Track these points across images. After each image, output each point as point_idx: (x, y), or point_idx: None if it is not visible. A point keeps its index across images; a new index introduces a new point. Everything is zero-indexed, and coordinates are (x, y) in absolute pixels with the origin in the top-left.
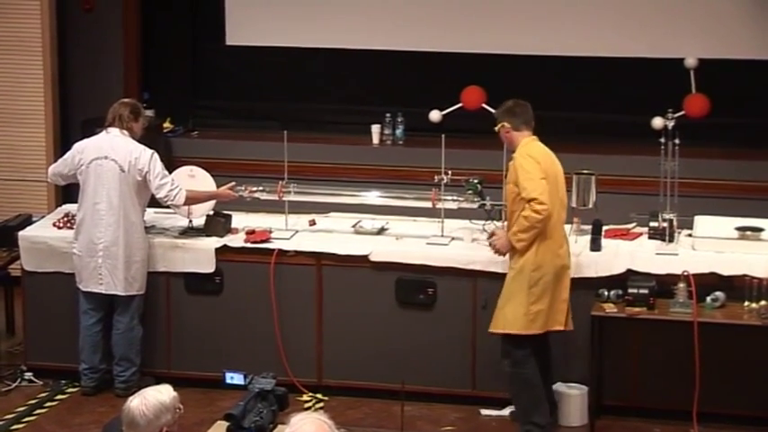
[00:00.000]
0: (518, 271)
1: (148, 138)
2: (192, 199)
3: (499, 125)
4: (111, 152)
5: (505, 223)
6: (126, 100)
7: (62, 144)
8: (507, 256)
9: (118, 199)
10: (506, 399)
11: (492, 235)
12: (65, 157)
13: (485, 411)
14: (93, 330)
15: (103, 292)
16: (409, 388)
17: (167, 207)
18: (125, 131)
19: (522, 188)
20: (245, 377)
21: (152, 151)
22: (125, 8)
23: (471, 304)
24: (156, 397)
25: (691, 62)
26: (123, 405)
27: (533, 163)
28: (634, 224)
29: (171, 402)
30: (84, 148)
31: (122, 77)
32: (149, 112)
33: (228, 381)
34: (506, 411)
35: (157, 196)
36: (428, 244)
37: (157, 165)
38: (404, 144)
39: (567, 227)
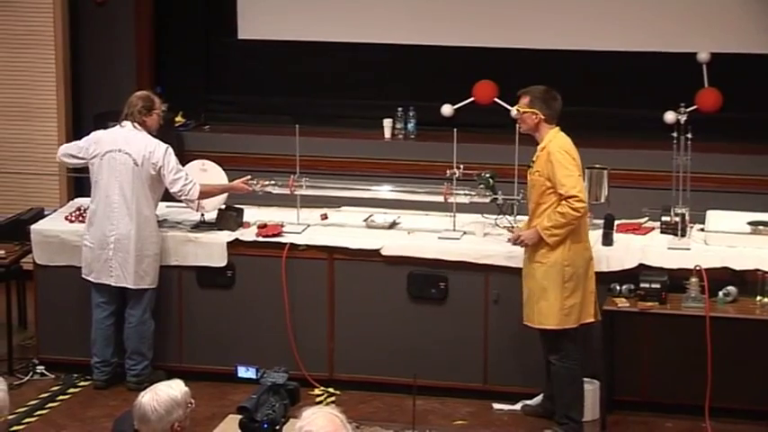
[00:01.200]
0: (550, 266)
1: (160, 132)
2: (206, 193)
3: (529, 110)
4: (126, 146)
5: (517, 218)
6: (141, 93)
7: (74, 138)
8: (524, 249)
9: (131, 192)
10: (518, 393)
11: (518, 238)
12: (79, 142)
13: (497, 405)
14: (105, 324)
15: (113, 284)
16: (421, 382)
17: (180, 201)
18: (138, 125)
19: (561, 184)
20: (258, 371)
21: (166, 146)
22: (137, 2)
23: (483, 298)
24: (167, 392)
25: (703, 56)
26: (135, 399)
27: (570, 158)
28: (646, 219)
29: (182, 398)
30: (99, 139)
31: (135, 71)
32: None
33: (241, 375)
34: (518, 406)
35: (171, 191)
36: (440, 238)
37: (172, 159)
38: (416, 138)
39: None
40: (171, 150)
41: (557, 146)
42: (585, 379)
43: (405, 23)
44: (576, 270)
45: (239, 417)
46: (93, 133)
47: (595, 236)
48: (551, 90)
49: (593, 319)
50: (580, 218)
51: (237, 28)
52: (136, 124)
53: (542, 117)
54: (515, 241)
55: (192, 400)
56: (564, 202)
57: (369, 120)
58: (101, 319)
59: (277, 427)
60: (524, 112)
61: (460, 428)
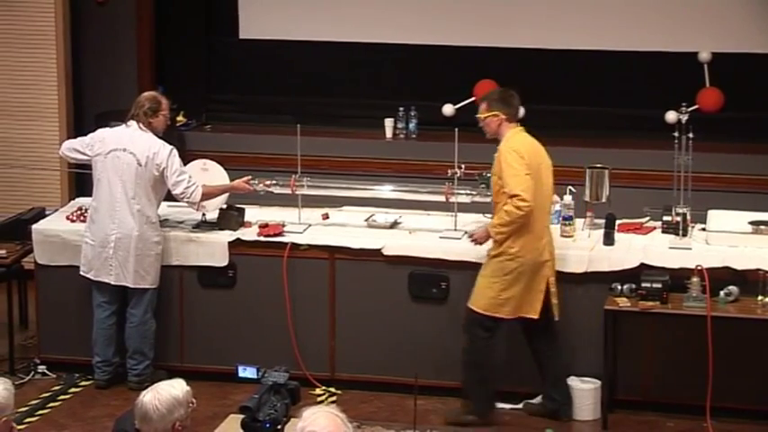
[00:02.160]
0: (495, 257)
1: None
2: (208, 195)
3: (489, 113)
4: (131, 145)
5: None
6: (148, 94)
7: (75, 137)
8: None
9: (134, 192)
10: (519, 393)
11: (471, 236)
12: (84, 138)
13: (499, 404)
14: (106, 324)
15: (113, 282)
16: (422, 382)
17: (182, 202)
18: (143, 126)
19: (506, 183)
20: (258, 371)
21: (171, 147)
22: (138, 1)
23: None
24: (169, 391)
25: (704, 56)
26: (136, 399)
27: (518, 158)
28: (647, 218)
29: (184, 397)
30: (104, 138)
31: (136, 71)
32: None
33: (241, 374)
34: (521, 405)
35: (174, 192)
36: (441, 238)
37: (176, 161)
38: (417, 138)
39: (579, 221)
40: (175, 152)
41: (508, 146)
42: (586, 378)
43: (406, 23)
44: (521, 266)
45: (241, 416)
46: (98, 131)
47: (596, 235)
48: (508, 90)
49: (536, 315)
50: (524, 216)
51: (239, 28)
52: (141, 125)
53: (504, 117)
54: (472, 241)
55: (194, 400)
56: (509, 200)
57: (370, 119)
58: (102, 319)
59: (279, 427)
60: (486, 117)
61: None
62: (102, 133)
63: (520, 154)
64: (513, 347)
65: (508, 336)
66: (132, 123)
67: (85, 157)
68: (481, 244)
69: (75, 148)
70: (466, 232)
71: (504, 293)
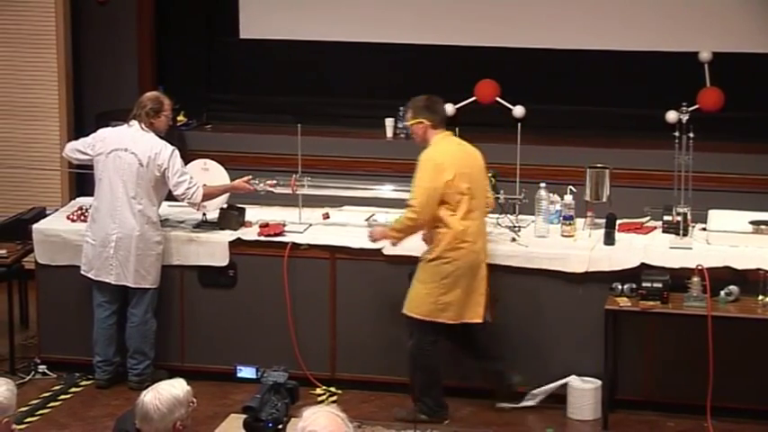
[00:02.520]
0: (429, 261)
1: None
2: (209, 195)
3: (415, 121)
4: (132, 145)
5: (519, 217)
6: (151, 94)
7: (76, 137)
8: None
9: (135, 192)
10: (520, 392)
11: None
12: (86, 138)
13: (500, 404)
14: (107, 323)
15: (113, 282)
16: None
17: (183, 202)
18: (144, 127)
19: (411, 190)
20: (257, 371)
21: (173, 148)
22: (139, 1)
23: None
24: (169, 391)
25: (705, 56)
26: (137, 399)
27: (428, 168)
28: (648, 218)
29: (184, 396)
30: (105, 137)
31: (136, 70)
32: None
33: (240, 374)
34: (522, 404)
35: (175, 193)
36: None
37: (177, 162)
38: None
39: (580, 221)
40: (177, 153)
41: (426, 154)
42: (587, 378)
43: (407, 23)
44: (458, 270)
45: (241, 416)
46: (99, 130)
47: (597, 235)
48: (432, 97)
49: (479, 320)
50: (414, 228)
51: (239, 27)
52: (143, 125)
53: (429, 124)
54: (369, 238)
55: (194, 399)
56: (406, 208)
57: (371, 119)
58: (102, 319)
59: (280, 427)
60: (412, 125)
61: (458, 427)
62: (104, 133)
63: (436, 162)
64: (514, 347)
65: (508, 335)
66: (134, 123)
67: (88, 157)
68: (375, 242)
69: (78, 148)
70: (513, 231)
71: (443, 298)
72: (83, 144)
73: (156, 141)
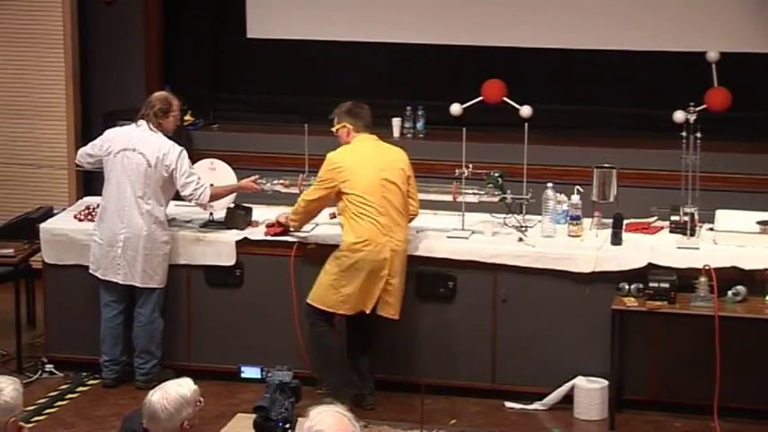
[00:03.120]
0: (336, 252)
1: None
2: (216, 196)
3: (339, 125)
4: (140, 145)
5: (526, 217)
6: (159, 94)
7: (83, 137)
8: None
9: (143, 192)
10: (527, 392)
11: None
12: (95, 141)
13: (509, 404)
14: (114, 323)
15: (120, 282)
16: (429, 381)
17: (190, 203)
18: (153, 127)
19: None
20: (262, 370)
21: (181, 148)
22: (146, 1)
23: (491, 298)
24: (177, 390)
25: (712, 56)
26: (143, 398)
27: (326, 169)
28: (655, 218)
29: (192, 396)
30: (113, 137)
31: (143, 70)
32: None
33: (244, 375)
34: (532, 406)
35: (182, 194)
36: (449, 237)
37: (185, 162)
38: (424, 137)
39: (587, 221)
40: (185, 153)
41: (329, 154)
42: (593, 378)
43: (413, 22)
44: (358, 263)
45: (249, 416)
46: (108, 131)
47: (604, 235)
48: (357, 103)
49: (367, 311)
50: (302, 214)
51: (246, 27)
52: (151, 125)
53: (351, 128)
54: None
55: (201, 399)
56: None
57: (377, 118)
58: (109, 318)
59: (288, 426)
60: (337, 130)
61: (464, 427)
62: (112, 132)
63: (333, 161)
64: (522, 347)
65: (516, 335)
66: (142, 123)
67: (97, 158)
68: (276, 225)
69: (88, 152)
70: (520, 231)
71: (344, 290)
72: (92, 147)
73: (165, 142)
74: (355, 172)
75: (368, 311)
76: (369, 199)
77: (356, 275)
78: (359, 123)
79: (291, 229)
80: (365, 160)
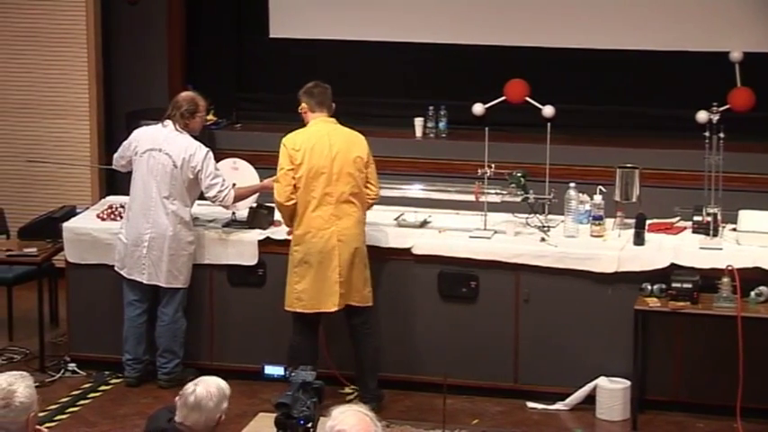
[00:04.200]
0: (290, 249)
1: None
2: (240, 197)
3: (300, 106)
4: (166, 145)
5: (549, 217)
6: (186, 95)
7: (106, 136)
8: None
9: (168, 193)
10: (549, 392)
11: None
12: (125, 142)
13: (531, 404)
14: (137, 322)
15: (145, 281)
16: (451, 381)
17: (214, 204)
18: (179, 128)
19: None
20: (285, 369)
21: (207, 149)
22: (169, 1)
23: (514, 298)
24: (217, 384)
25: (736, 56)
26: (166, 397)
27: (282, 151)
28: (678, 218)
29: (228, 391)
30: (140, 137)
31: (166, 70)
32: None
33: (268, 372)
34: (554, 406)
35: (207, 195)
36: (471, 237)
37: (211, 164)
38: (447, 137)
39: (609, 221)
40: (211, 155)
41: (284, 139)
42: (616, 378)
43: (436, 22)
44: (306, 256)
45: (271, 415)
46: (135, 131)
47: (627, 235)
48: (319, 84)
49: (333, 309)
50: (281, 209)
51: (269, 26)
52: (177, 126)
53: (306, 107)
54: None
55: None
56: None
57: (400, 118)
58: (133, 317)
59: (309, 425)
60: (300, 110)
61: (486, 427)
62: (139, 132)
63: (289, 147)
64: (544, 347)
65: (538, 335)
66: (168, 123)
67: (128, 159)
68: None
69: (119, 155)
70: (542, 231)
71: (298, 286)
72: (122, 148)
73: (191, 143)
74: (302, 158)
75: (332, 309)
76: (314, 186)
77: (307, 270)
78: (312, 102)
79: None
80: (316, 145)
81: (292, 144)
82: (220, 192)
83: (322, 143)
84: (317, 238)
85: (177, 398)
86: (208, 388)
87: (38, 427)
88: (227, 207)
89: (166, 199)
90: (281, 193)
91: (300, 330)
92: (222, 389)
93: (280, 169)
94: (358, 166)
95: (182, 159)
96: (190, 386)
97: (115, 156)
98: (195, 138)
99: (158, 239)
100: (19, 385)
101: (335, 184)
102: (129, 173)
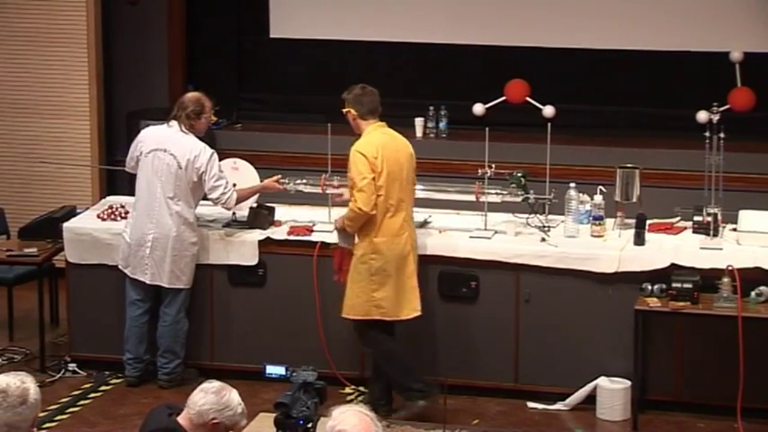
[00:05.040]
0: (358, 258)
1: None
2: (241, 198)
3: (346, 109)
4: (172, 146)
5: (549, 217)
6: (193, 95)
7: (106, 136)
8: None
9: (173, 193)
10: (550, 393)
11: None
12: (133, 143)
13: (531, 404)
14: (139, 321)
15: (148, 281)
16: (452, 381)
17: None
18: (184, 129)
19: (353, 185)
20: (287, 370)
21: (212, 151)
22: (170, 1)
23: (514, 298)
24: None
25: (736, 56)
26: (166, 397)
27: (362, 160)
28: (678, 218)
29: (234, 402)
30: (145, 137)
31: (166, 70)
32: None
33: (269, 372)
34: (555, 406)
35: (210, 197)
36: (471, 237)
37: (215, 166)
38: (447, 137)
39: (610, 221)
40: (216, 156)
41: (355, 147)
42: (616, 378)
43: (436, 22)
44: (386, 263)
45: (271, 415)
46: (142, 131)
47: (627, 235)
48: (365, 87)
49: (417, 314)
50: (362, 216)
51: (270, 26)
52: (183, 127)
53: (355, 114)
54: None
55: None
56: (352, 198)
57: (400, 118)
58: (135, 317)
59: (309, 426)
60: (346, 113)
61: (487, 427)
62: (145, 133)
63: (365, 155)
64: (544, 348)
65: (539, 336)
66: (174, 124)
67: (136, 159)
68: (337, 230)
69: (129, 157)
70: (543, 231)
71: (376, 294)
72: (131, 150)
73: (196, 144)
74: (380, 166)
75: (411, 316)
76: (391, 192)
77: (387, 278)
78: (362, 110)
79: (348, 231)
80: (387, 152)
81: (372, 152)
82: (223, 194)
83: (389, 149)
84: (394, 244)
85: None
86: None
87: (34, 429)
88: (229, 209)
89: (171, 199)
90: (367, 201)
91: (381, 338)
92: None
93: (362, 179)
94: (414, 169)
95: (186, 160)
96: (225, 390)
97: (127, 159)
98: (200, 139)
99: (161, 240)
100: (30, 384)
101: (405, 190)
102: (125, 173)
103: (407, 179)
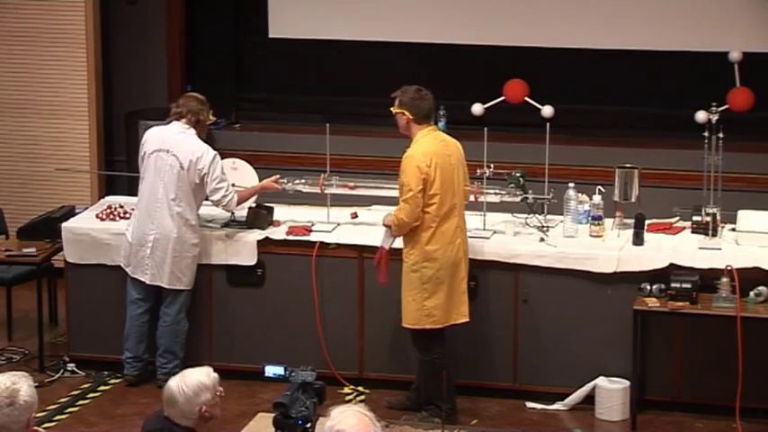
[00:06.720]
0: (410, 265)
1: None
2: (241, 200)
3: (399, 110)
4: (174, 147)
5: (548, 217)
6: (195, 95)
7: (105, 136)
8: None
9: (175, 194)
10: (548, 392)
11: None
12: (140, 143)
13: (530, 404)
14: (139, 321)
15: (148, 282)
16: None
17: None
18: (187, 128)
19: (401, 192)
20: (286, 369)
21: (214, 153)
22: (168, 1)
23: (513, 298)
24: (195, 376)
25: (735, 56)
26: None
27: (414, 171)
28: (677, 218)
29: (211, 382)
30: (147, 138)
31: (166, 70)
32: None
33: (268, 373)
34: (554, 406)
35: (211, 198)
36: (470, 237)
37: (217, 168)
38: None
39: (609, 221)
40: (218, 158)
41: (410, 153)
42: (615, 379)
43: (435, 22)
44: (439, 271)
45: (270, 415)
46: (147, 131)
47: (626, 235)
48: (421, 90)
49: (465, 320)
50: (405, 225)
51: (268, 26)
52: (186, 126)
53: (410, 117)
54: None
55: (221, 388)
56: (399, 205)
57: None
58: (135, 316)
59: (308, 425)
60: (396, 113)
61: (486, 427)
62: (149, 133)
63: (418, 161)
64: (543, 347)
65: (537, 336)
66: (176, 124)
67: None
68: (388, 227)
69: (140, 157)
70: (542, 231)
71: (428, 302)
72: (140, 149)
73: (199, 145)
74: (434, 173)
75: (461, 321)
76: (446, 199)
77: (439, 286)
78: (418, 114)
79: (396, 233)
80: (440, 159)
81: (425, 162)
82: (225, 196)
83: (441, 156)
84: (448, 252)
85: None
86: (183, 382)
87: (35, 428)
88: (229, 211)
89: (173, 201)
90: (410, 213)
91: (432, 346)
92: (201, 381)
93: (408, 191)
94: (466, 172)
95: (189, 162)
96: (170, 380)
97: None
98: (202, 139)
99: (162, 240)
100: (22, 384)
101: (457, 195)
102: (121, 174)
103: (460, 183)
